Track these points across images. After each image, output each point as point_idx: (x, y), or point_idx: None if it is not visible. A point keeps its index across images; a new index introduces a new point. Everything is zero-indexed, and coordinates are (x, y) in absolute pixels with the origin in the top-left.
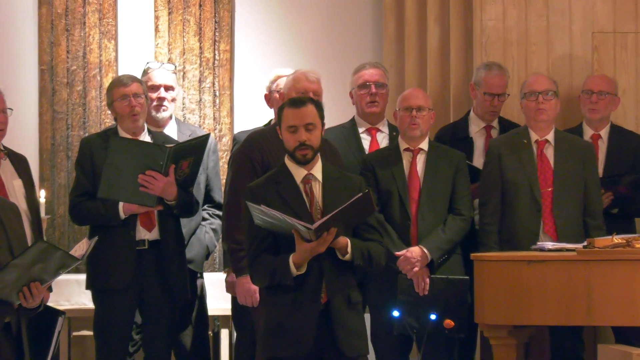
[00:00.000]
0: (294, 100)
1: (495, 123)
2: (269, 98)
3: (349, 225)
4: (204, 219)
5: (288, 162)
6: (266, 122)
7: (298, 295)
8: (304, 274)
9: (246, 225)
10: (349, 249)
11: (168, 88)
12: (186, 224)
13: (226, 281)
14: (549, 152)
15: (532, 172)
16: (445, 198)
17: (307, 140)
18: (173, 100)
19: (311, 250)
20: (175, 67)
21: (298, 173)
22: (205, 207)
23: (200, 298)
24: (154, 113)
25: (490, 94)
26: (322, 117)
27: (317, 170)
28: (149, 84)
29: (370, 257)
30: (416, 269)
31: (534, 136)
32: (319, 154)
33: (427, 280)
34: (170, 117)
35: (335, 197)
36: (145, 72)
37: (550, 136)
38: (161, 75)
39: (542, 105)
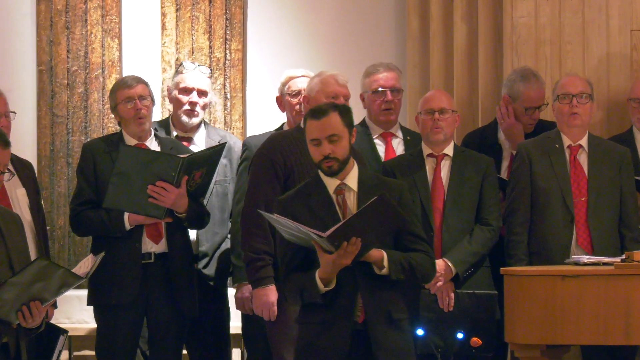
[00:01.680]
0: (314, 110)
1: None
2: (280, 101)
3: (381, 235)
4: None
5: (320, 173)
6: (278, 126)
7: (329, 313)
8: (335, 291)
9: (278, 243)
10: (385, 262)
11: (202, 93)
12: (210, 239)
13: (236, 297)
14: (583, 159)
15: (565, 180)
16: (471, 207)
17: (330, 153)
18: (205, 106)
19: (333, 263)
20: (211, 70)
21: (331, 183)
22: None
23: (222, 315)
24: (184, 118)
25: (531, 108)
26: (349, 124)
27: (352, 178)
28: (181, 85)
29: (412, 269)
30: (440, 283)
31: (566, 141)
32: (353, 161)
33: (452, 295)
34: (201, 122)
35: None
36: (178, 72)
37: (583, 141)
38: (196, 78)
39: (576, 109)
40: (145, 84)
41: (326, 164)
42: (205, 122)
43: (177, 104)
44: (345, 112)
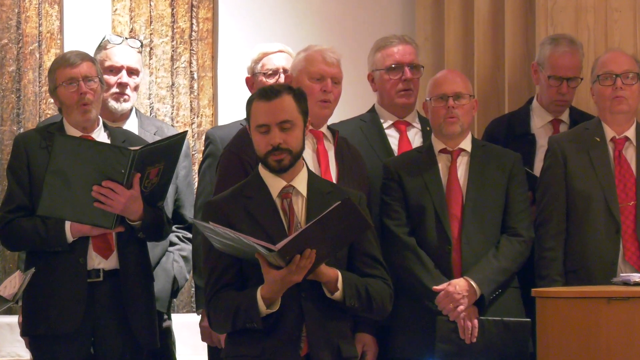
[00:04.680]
0: (264, 90)
1: (565, 116)
2: (252, 83)
3: (337, 247)
4: (171, 244)
5: (262, 171)
6: None
7: (270, 343)
8: (278, 315)
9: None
10: (340, 284)
11: (132, 71)
12: (149, 250)
13: (201, 326)
14: (630, 154)
15: (608, 180)
16: (496, 214)
17: (282, 142)
18: (136, 87)
19: (282, 280)
20: (142, 43)
21: (274, 184)
22: (173, 227)
23: (165, 346)
24: (112, 103)
25: (556, 78)
26: (303, 111)
27: (301, 181)
28: (107, 64)
29: (369, 298)
30: (461, 307)
31: (609, 132)
32: (303, 161)
33: (476, 322)
34: (131, 109)
35: None
36: (101, 48)
37: (630, 132)
38: (124, 53)
39: (621, 92)
40: (92, 61)
41: (275, 156)
42: (137, 111)
43: None
44: (300, 96)
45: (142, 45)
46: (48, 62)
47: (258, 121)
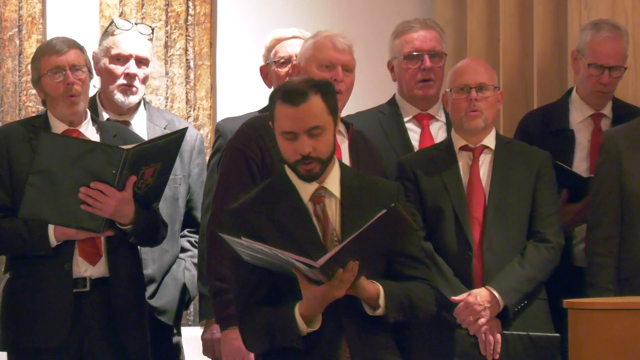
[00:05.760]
0: (289, 92)
1: (607, 109)
2: (265, 72)
3: (377, 253)
4: (183, 250)
5: (290, 172)
6: (263, 106)
7: None
8: (318, 333)
9: (233, 265)
10: (382, 301)
11: (141, 61)
12: (157, 259)
13: (203, 339)
14: None
15: None
16: (522, 217)
17: (312, 151)
18: (145, 79)
19: (323, 296)
20: (153, 30)
21: (305, 187)
22: (185, 232)
23: None
24: (118, 96)
25: (597, 66)
26: (333, 109)
27: (333, 181)
28: (114, 52)
29: (412, 307)
30: (482, 320)
31: None
32: (335, 159)
33: (499, 337)
34: (139, 101)
35: (360, 217)
36: (108, 34)
37: None
38: (133, 41)
39: None
40: (80, 48)
41: (305, 166)
42: (146, 103)
43: (108, 77)
44: (327, 92)
45: (153, 32)
46: (29, 49)
47: (283, 128)
